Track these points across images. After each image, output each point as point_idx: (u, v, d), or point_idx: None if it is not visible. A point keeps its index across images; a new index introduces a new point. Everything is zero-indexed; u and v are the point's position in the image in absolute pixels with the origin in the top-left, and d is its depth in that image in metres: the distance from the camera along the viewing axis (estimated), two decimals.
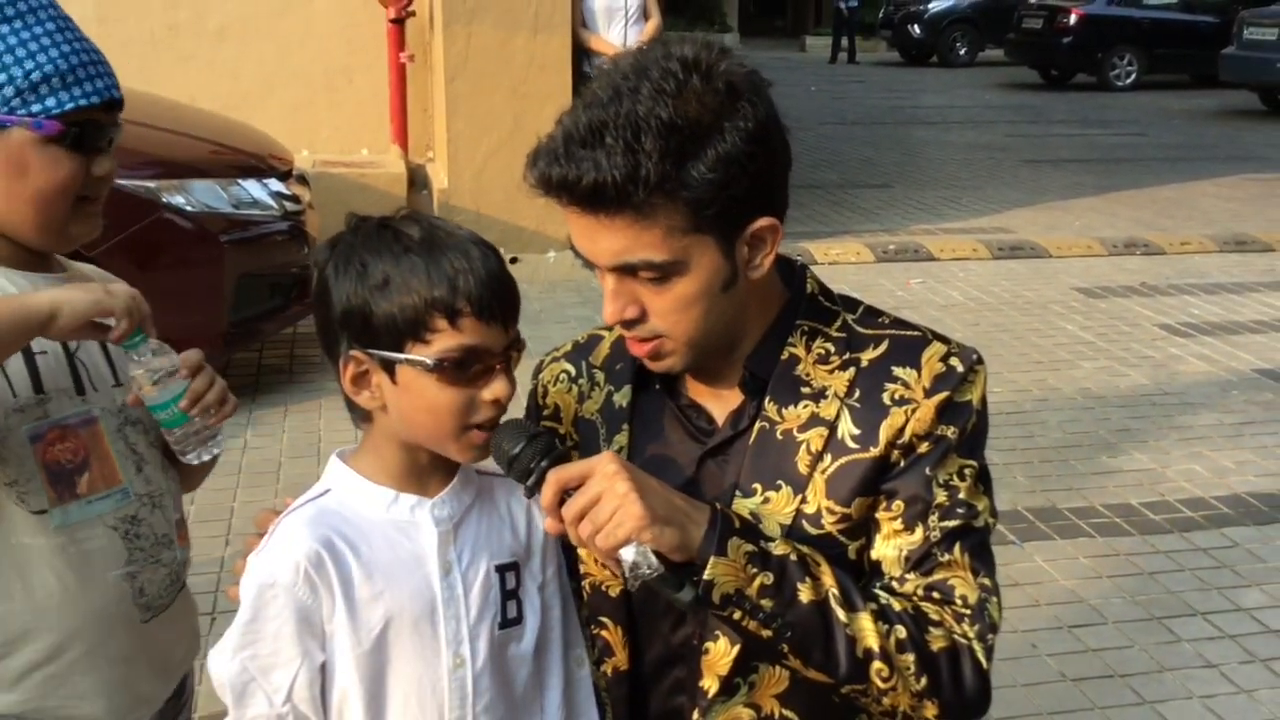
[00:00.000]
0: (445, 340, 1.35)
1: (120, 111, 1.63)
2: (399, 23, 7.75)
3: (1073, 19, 18.99)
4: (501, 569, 1.49)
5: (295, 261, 5.49)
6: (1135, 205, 9.95)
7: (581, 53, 7.62)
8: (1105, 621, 3.76)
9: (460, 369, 1.36)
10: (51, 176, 1.56)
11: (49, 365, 1.59)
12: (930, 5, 23.79)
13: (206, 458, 1.64)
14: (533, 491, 1.34)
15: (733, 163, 1.29)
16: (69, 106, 1.54)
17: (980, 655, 1.36)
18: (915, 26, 23.47)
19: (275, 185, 5.47)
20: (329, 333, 1.43)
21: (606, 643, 1.51)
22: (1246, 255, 8.39)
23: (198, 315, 4.98)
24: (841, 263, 7.90)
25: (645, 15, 7.74)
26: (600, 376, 1.57)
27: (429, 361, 1.35)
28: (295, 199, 5.55)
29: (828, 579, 1.33)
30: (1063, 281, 7.65)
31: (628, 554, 1.27)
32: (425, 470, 1.46)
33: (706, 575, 1.28)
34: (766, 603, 1.30)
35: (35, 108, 1.52)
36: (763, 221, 1.35)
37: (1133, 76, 19.05)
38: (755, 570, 1.30)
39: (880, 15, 24.88)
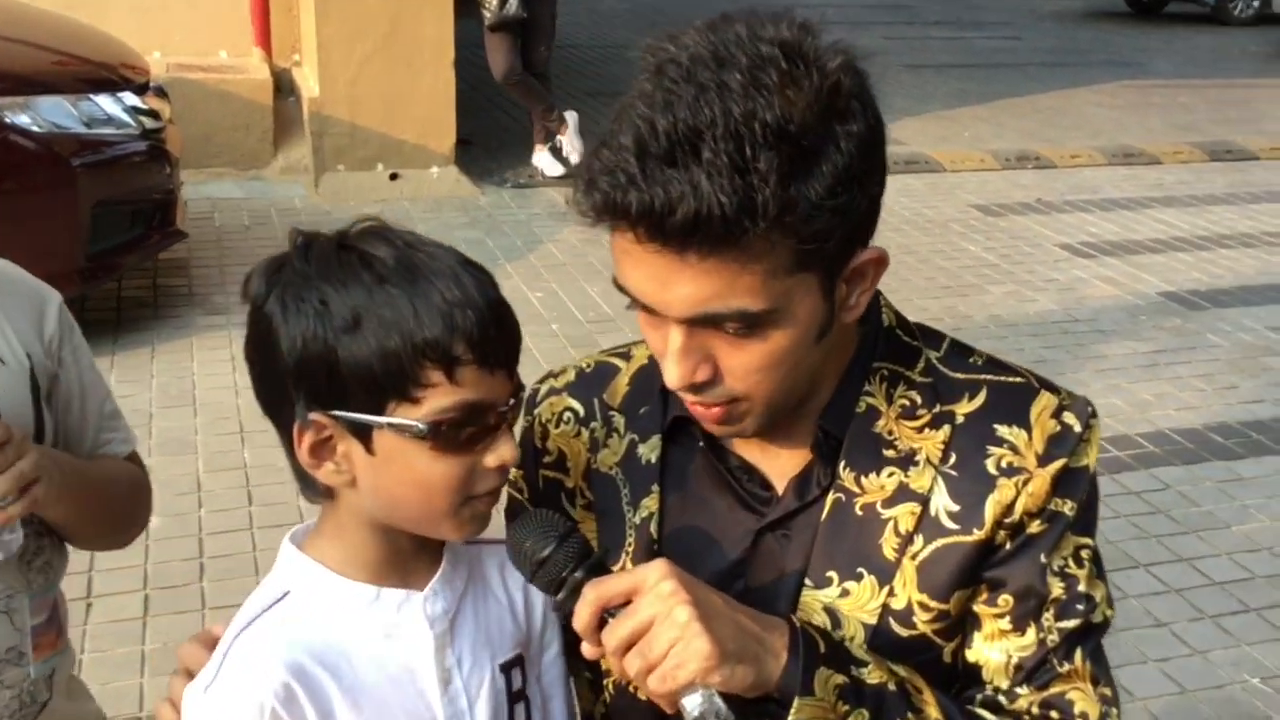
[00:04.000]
0: (441, 397, 1.04)
1: None
2: None
3: None
4: (506, 667, 1.19)
5: (157, 185, 4.99)
6: (1019, 114, 9.85)
7: None
8: None
9: (459, 432, 1.05)
10: None
11: None
12: None
13: None
14: (564, 605, 1.05)
15: (851, 181, 0.98)
16: None
17: None
18: None
19: (131, 99, 4.92)
20: (273, 389, 1.09)
21: None
22: (1135, 168, 8.38)
23: (49, 248, 4.45)
24: None
25: None
26: (619, 421, 1.26)
27: (422, 426, 1.03)
28: (154, 114, 5.00)
29: (932, 710, 1.08)
30: (960, 198, 7.50)
31: (692, 704, 0.99)
32: (407, 555, 1.15)
33: (792, 719, 1.01)
34: None
35: None
36: (868, 253, 1.06)
37: None
38: (847, 708, 1.03)
39: None
